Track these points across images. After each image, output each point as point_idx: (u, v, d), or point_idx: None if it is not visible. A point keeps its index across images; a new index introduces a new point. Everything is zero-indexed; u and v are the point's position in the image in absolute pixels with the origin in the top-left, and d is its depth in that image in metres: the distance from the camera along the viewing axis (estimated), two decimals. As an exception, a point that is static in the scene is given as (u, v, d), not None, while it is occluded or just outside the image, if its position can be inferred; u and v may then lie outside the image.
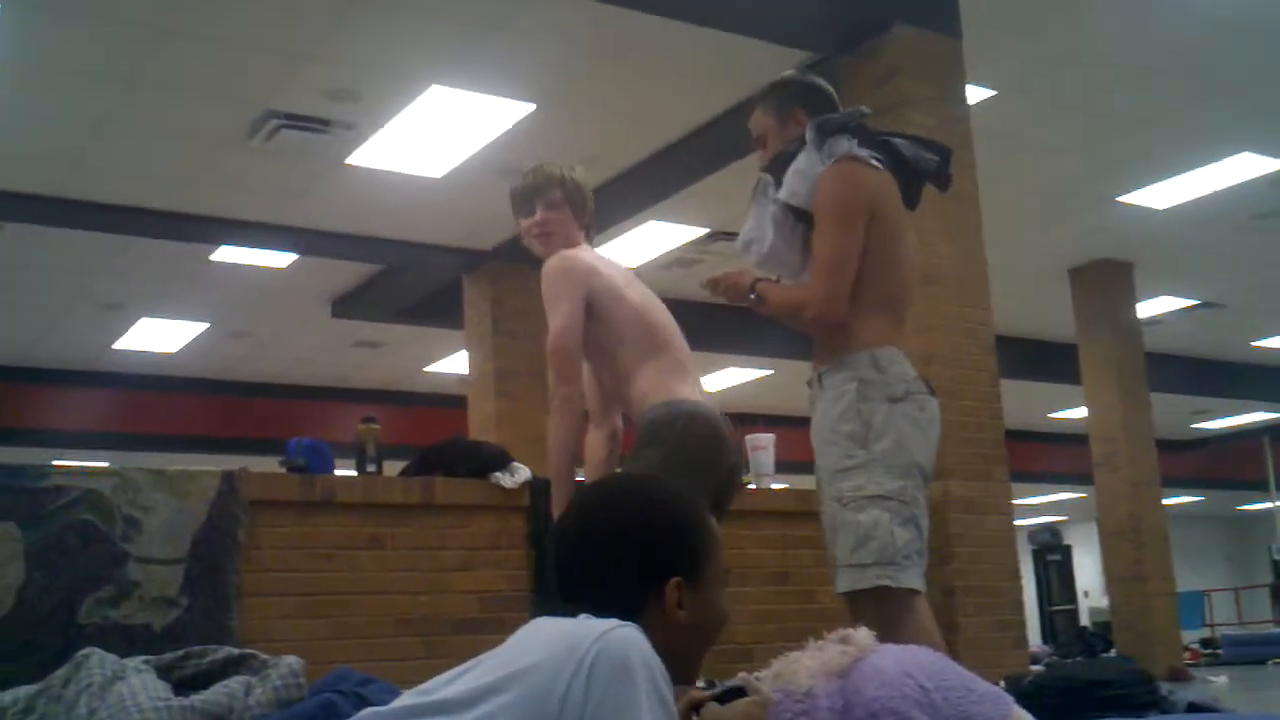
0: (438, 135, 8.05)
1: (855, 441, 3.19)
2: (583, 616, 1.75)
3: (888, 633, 2.88)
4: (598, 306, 3.45)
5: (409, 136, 8.04)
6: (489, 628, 4.45)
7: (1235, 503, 26.21)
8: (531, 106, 7.69)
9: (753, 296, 3.46)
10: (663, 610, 1.85)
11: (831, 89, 3.63)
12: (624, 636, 1.66)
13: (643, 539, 1.89)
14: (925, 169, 3.55)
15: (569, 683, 1.59)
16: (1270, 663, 15.15)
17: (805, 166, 3.37)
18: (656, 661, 1.67)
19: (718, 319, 10.14)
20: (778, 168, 3.48)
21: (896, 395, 3.23)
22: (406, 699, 1.74)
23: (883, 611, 3.07)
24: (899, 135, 3.58)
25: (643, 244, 10.21)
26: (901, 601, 3.13)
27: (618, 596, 1.83)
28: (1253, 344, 15.15)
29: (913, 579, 3.15)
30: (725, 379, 14.83)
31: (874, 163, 3.39)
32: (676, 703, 1.78)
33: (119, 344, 12.27)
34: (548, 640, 1.68)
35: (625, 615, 1.75)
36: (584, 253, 3.59)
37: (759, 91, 3.66)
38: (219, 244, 9.88)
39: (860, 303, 3.29)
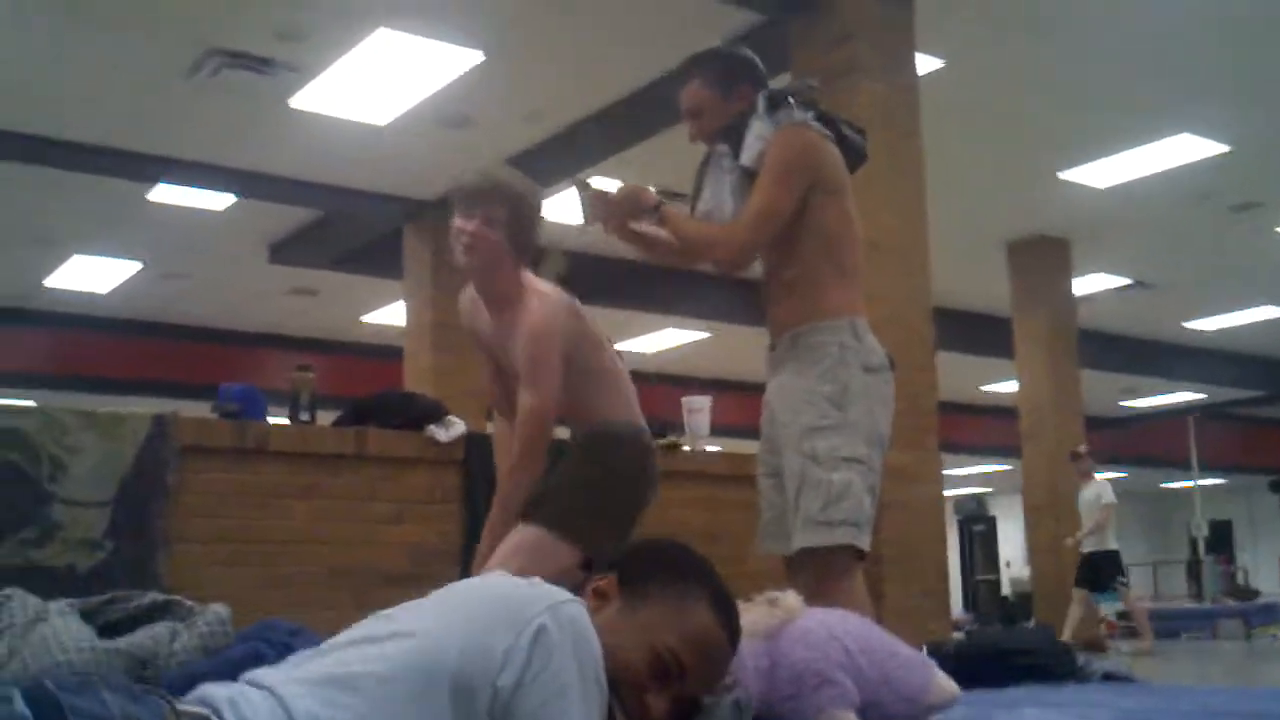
0: (383, 80, 7.94)
1: (832, 403, 3.23)
2: (535, 579, 1.74)
3: (828, 592, 2.94)
4: (579, 358, 3.34)
5: (354, 80, 7.92)
6: (419, 582, 4.39)
7: (1158, 480, 26.66)
8: (480, 55, 7.61)
9: (655, 211, 3.38)
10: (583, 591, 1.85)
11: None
12: (571, 612, 1.66)
13: None
14: (855, 150, 3.57)
15: (513, 641, 1.58)
16: (1184, 636, 15.50)
17: (764, 131, 3.38)
18: (595, 639, 1.67)
19: (658, 280, 10.12)
20: (733, 140, 3.48)
21: (872, 365, 3.30)
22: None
23: (828, 571, 3.12)
24: (833, 115, 3.57)
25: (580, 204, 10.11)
26: (849, 564, 3.18)
27: None
28: (1183, 325, 15.37)
29: (868, 542, 3.22)
30: (663, 340, 14.81)
31: (826, 133, 3.42)
32: None
33: (50, 281, 12.05)
34: (496, 593, 1.68)
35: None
36: (571, 302, 3.37)
37: (691, 64, 3.62)
38: (156, 182, 9.71)
39: (837, 269, 3.36)
